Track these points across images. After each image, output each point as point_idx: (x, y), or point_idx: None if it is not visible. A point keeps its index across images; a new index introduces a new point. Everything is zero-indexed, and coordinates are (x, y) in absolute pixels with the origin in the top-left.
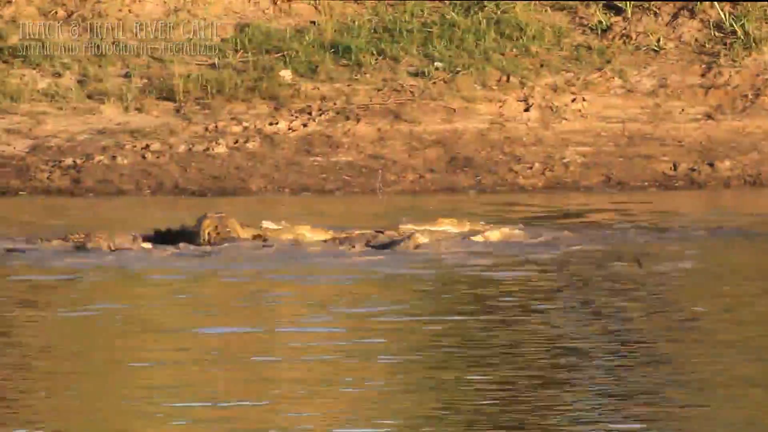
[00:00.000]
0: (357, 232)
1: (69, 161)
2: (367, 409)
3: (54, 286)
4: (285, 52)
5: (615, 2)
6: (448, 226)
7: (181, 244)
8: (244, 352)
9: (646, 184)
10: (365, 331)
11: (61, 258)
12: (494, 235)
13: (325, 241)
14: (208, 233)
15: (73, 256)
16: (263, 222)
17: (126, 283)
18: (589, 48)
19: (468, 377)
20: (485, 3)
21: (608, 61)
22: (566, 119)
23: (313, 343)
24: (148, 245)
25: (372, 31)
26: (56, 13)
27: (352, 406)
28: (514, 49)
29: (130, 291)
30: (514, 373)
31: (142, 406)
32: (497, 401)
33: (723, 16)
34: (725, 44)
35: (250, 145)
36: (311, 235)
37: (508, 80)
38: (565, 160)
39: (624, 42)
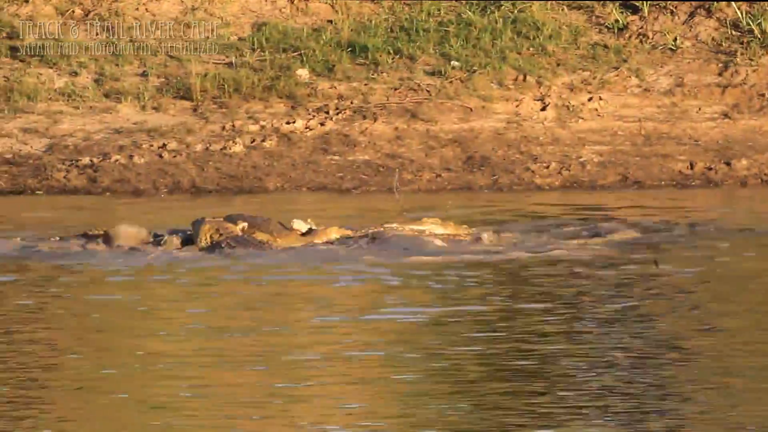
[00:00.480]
0: (372, 229)
1: (86, 160)
2: (371, 409)
3: (70, 285)
4: (302, 51)
5: (632, 1)
6: (431, 226)
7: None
8: (254, 354)
9: (663, 183)
10: (380, 331)
11: (77, 256)
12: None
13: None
14: (210, 236)
15: (88, 255)
16: (294, 221)
17: (141, 284)
18: (606, 47)
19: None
20: (502, 2)
21: (625, 60)
22: (583, 118)
23: (320, 344)
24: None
25: (389, 30)
26: (73, 12)
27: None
28: (531, 49)
29: (146, 291)
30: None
31: (153, 409)
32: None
33: (740, 15)
34: (742, 43)
35: (267, 144)
36: (336, 236)
37: (524, 79)
38: (581, 160)
39: (641, 41)
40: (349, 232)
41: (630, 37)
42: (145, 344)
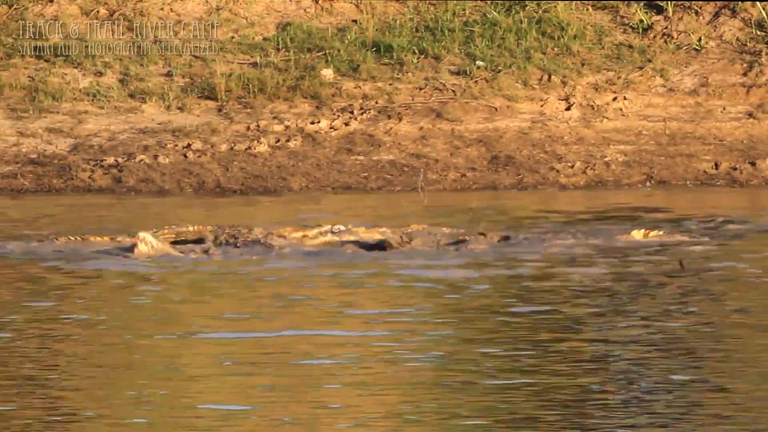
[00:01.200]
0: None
1: (111, 160)
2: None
3: (99, 286)
4: (327, 51)
5: (656, 1)
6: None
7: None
8: (270, 356)
9: (688, 183)
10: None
11: (101, 258)
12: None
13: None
14: (225, 239)
15: (112, 257)
16: (334, 226)
17: (166, 285)
18: (631, 47)
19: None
20: (527, 2)
21: (649, 60)
22: (607, 118)
23: (336, 345)
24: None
25: (414, 30)
26: (98, 12)
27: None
28: (556, 48)
29: (169, 293)
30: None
31: (177, 410)
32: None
33: (764, 15)
34: (767, 43)
35: (291, 144)
36: (367, 235)
37: (549, 79)
38: (606, 159)
39: (665, 41)
40: (376, 233)
41: (654, 37)
42: (182, 346)
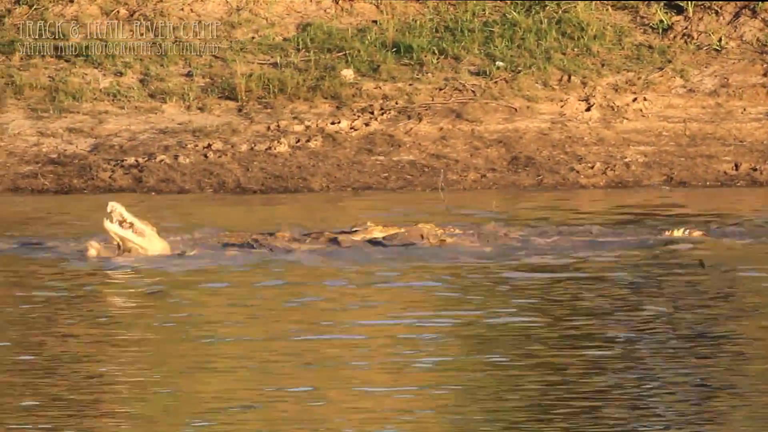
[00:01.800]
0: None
1: (131, 160)
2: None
3: (117, 294)
4: (347, 52)
5: (676, 2)
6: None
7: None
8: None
9: (708, 183)
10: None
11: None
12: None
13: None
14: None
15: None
16: (353, 227)
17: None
18: (651, 47)
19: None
20: (546, 2)
21: (669, 61)
22: (627, 119)
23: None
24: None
25: (433, 30)
26: (118, 12)
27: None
28: (576, 49)
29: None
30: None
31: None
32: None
33: None
34: None
35: (311, 144)
36: (380, 234)
37: (569, 80)
38: (626, 160)
39: (685, 41)
40: (393, 230)
41: (674, 37)
42: (209, 350)
